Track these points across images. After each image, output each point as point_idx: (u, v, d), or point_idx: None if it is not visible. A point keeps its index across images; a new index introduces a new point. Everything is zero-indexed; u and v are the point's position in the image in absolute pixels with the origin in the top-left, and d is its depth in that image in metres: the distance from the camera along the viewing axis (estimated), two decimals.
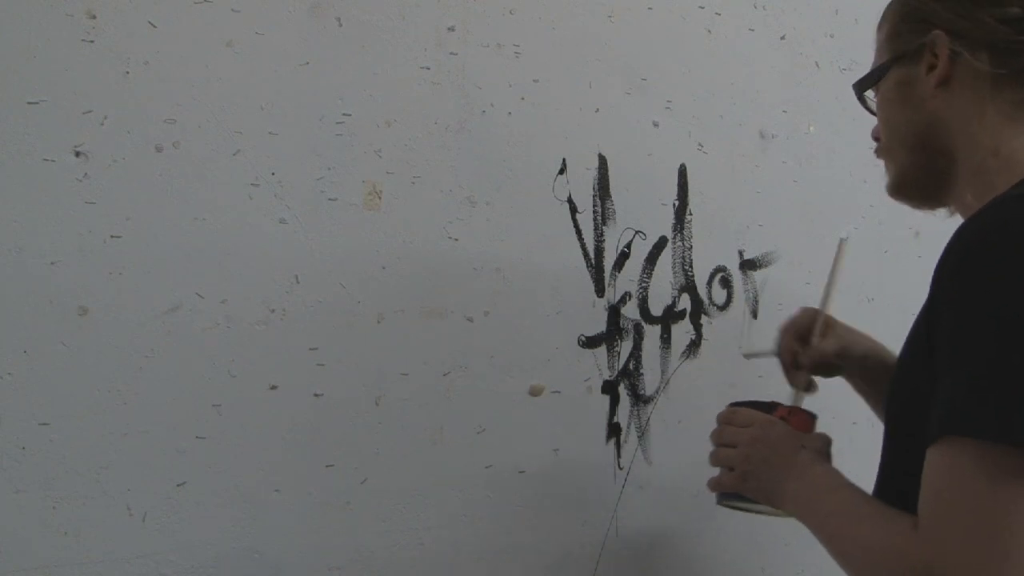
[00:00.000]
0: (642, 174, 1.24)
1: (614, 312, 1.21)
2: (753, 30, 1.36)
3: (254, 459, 0.94)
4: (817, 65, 1.44)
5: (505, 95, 1.12)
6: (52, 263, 0.85)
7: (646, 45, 1.25)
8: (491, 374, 1.10)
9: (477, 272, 1.09)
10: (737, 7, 1.34)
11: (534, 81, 1.15)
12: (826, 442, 0.89)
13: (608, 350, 1.20)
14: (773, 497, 0.87)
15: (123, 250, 0.88)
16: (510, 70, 1.13)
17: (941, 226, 0.85)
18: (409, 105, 1.05)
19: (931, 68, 0.81)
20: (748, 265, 1.35)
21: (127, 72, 0.89)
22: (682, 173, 1.28)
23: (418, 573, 1.04)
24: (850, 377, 1.07)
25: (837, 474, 0.83)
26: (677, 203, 1.28)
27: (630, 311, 1.22)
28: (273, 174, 0.96)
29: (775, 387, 1.08)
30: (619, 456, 1.20)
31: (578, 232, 1.18)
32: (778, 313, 1.31)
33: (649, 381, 1.24)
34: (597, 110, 1.20)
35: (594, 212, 1.19)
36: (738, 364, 1.32)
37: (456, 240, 1.08)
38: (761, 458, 0.88)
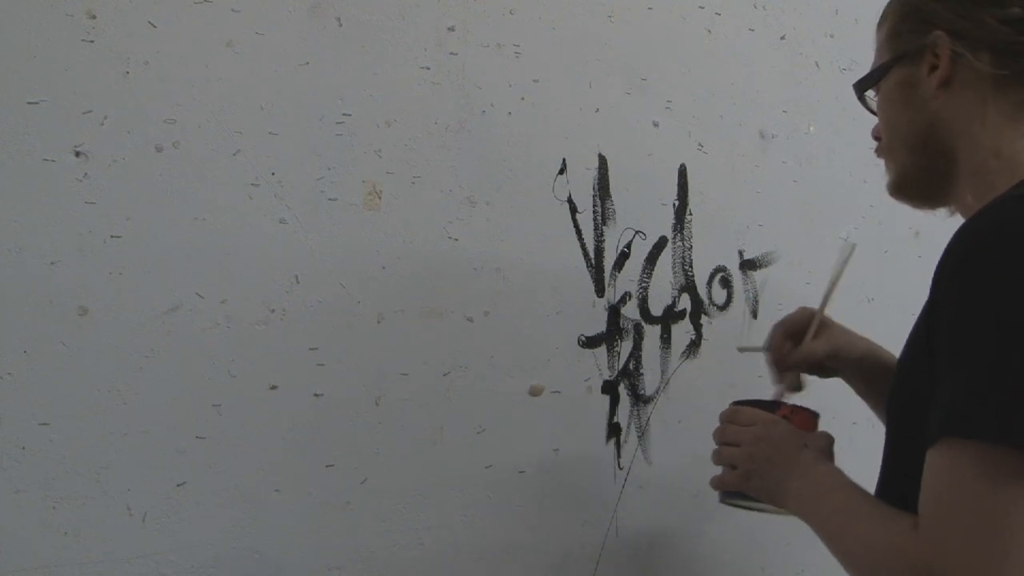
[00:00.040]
0: (642, 174, 1.24)
1: (614, 312, 1.21)
2: (753, 30, 1.36)
3: (254, 459, 0.94)
4: (817, 65, 1.44)
5: (505, 95, 1.12)
6: (52, 263, 0.85)
7: (646, 45, 1.25)
8: (491, 374, 1.10)
9: (477, 272, 1.09)
10: (737, 7, 1.34)
11: (534, 81, 1.15)
12: (829, 441, 0.89)
13: (608, 350, 1.20)
14: (775, 496, 0.87)
15: (123, 250, 0.88)
16: (510, 70, 1.13)
17: (941, 226, 0.85)
18: (409, 105, 1.05)
19: (932, 69, 0.81)
20: (748, 265, 1.35)
21: (127, 72, 0.89)
22: (682, 173, 1.28)
23: (418, 573, 1.04)
24: (849, 379, 1.07)
25: (839, 473, 0.83)
26: (677, 203, 1.28)
27: (630, 311, 1.22)
28: (273, 174, 0.96)
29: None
30: (619, 456, 1.20)
31: (578, 232, 1.18)
32: (778, 313, 1.31)
33: (649, 381, 1.24)
34: (597, 110, 1.20)
35: (594, 212, 1.19)
36: (738, 364, 1.32)
37: (456, 240, 1.08)
38: (764, 457, 0.88)
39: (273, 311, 0.96)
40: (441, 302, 1.07)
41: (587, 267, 1.18)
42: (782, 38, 1.40)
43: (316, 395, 0.98)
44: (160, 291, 0.90)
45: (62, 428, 0.85)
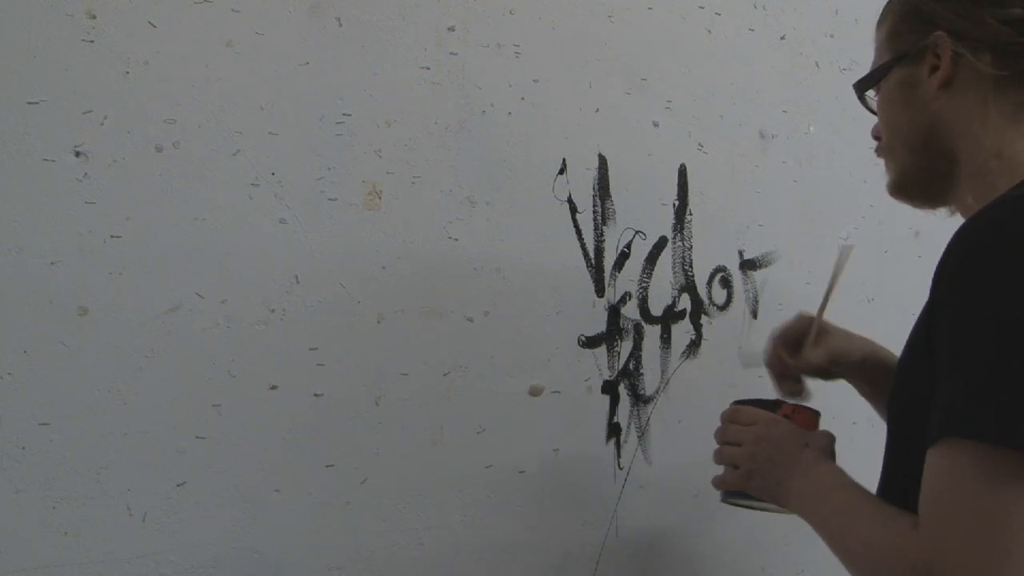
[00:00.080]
0: (642, 174, 1.24)
1: (614, 312, 1.21)
2: (753, 30, 1.36)
3: (254, 459, 0.94)
4: (817, 65, 1.44)
5: (505, 95, 1.12)
6: (52, 263, 0.85)
7: (646, 45, 1.25)
8: (491, 374, 1.09)
9: (477, 272, 1.09)
10: (737, 7, 1.34)
11: (534, 81, 1.15)
12: (830, 440, 0.89)
13: (608, 350, 1.20)
14: (777, 495, 0.87)
15: (123, 250, 0.88)
16: (510, 70, 1.13)
17: (941, 226, 0.85)
18: (409, 105, 1.05)
19: (933, 69, 0.81)
20: (748, 265, 1.35)
21: (127, 72, 0.89)
22: (682, 173, 1.28)
23: (418, 573, 1.04)
24: (852, 380, 1.07)
25: (840, 472, 0.83)
26: (677, 203, 1.28)
27: (630, 311, 1.22)
28: (273, 174, 0.96)
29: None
30: (619, 456, 1.20)
31: (578, 232, 1.18)
32: (778, 313, 1.32)
33: (649, 381, 1.24)
34: (597, 110, 1.20)
35: (594, 212, 1.19)
36: (738, 364, 1.32)
37: (456, 240, 1.08)
38: (765, 456, 0.89)
39: (273, 311, 0.96)
40: (441, 302, 1.07)
41: (587, 267, 1.18)
42: (782, 38, 1.40)
43: (316, 395, 0.98)
44: (160, 291, 0.90)
45: (62, 428, 0.85)
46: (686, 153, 1.28)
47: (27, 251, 0.84)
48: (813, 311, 1.07)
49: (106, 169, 0.88)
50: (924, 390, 0.70)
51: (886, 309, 1.48)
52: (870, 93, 0.90)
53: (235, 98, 0.94)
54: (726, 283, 1.33)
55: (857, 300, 1.47)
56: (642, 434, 1.23)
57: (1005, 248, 0.66)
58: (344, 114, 1.01)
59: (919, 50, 0.82)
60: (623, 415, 1.21)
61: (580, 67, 1.19)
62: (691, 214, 1.29)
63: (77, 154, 0.86)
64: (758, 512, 0.96)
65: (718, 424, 0.97)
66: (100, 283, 0.87)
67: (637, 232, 1.23)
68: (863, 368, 1.04)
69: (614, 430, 1.20)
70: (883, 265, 1.51)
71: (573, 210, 1.17)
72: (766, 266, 1.37)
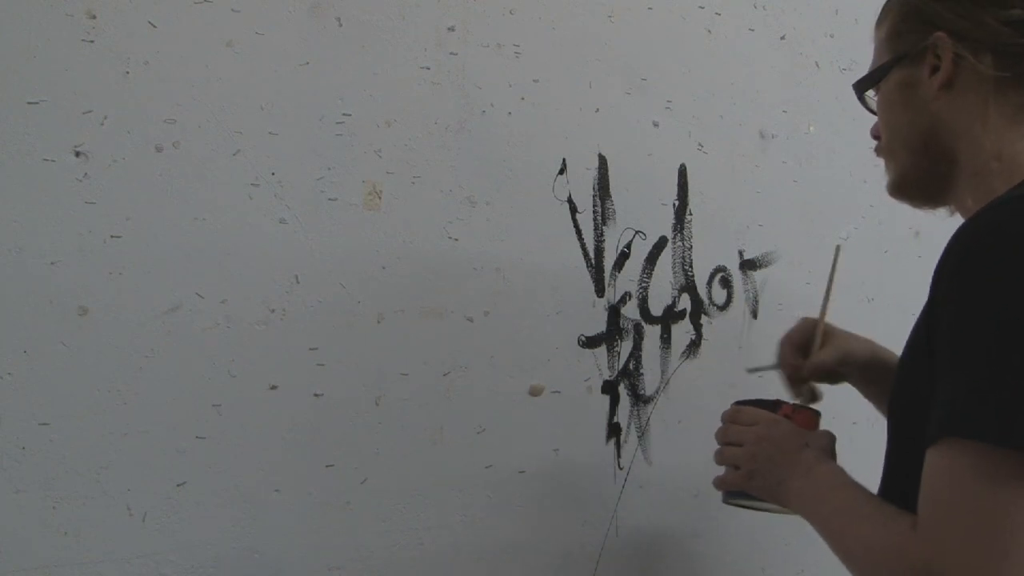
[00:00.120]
0: (642, 174, 1.24)
1: (614, 312, 1.21)
2: (753, 30, 1.36)
3: (254, 459, 0.94)
4: (817, 65, 1.44)
5: (505, 95, 1.12)
6: (52, 263, 0.85)
7: (646, 45, 1.25)
8: (491, 374, 1.09)
9: (477, 272, 1.09)
10: (737, 7, 1.34)
11: (534, 81, 1.15)
12: (830, 440, 0.89)
13: (608, 350, 1.20)
14: (778, 495, 0.87)
15: (123, 250, 0.88)
16: (510, 70, 1.13)
17: (941, 226, 0.85)
18: (409, 105, 1.05)
19: (934, 70, 0.81)
20: (748, 265, 1.35)
21: (127, 72, 0.89)
22: (682, 173, 1.28)
23: (418, 573, 1.04)
24: (856, 382, 1.07)
25: (841, 472, 0.83)
26: (677, 203, 1.28)
27: (630, 311, 1.22)
28: (273, 174, 0.96)
29: (775, 387, 1.09)
30: (619, 456, 1.20)
31: (578, 232, 1.18)
32: (778, 313, 1.32)
33: (649, 381, 1.24)
34: (597, 110, 1.20)
35: (594, 212, 1.19)
36: (738, 364, 1.32)
37: (456, 240, 1.08)
38: (766, 456, 0.89)
39: (273, 311, 0.96)
40: (441, 302, 1.07)
41: (587, 267, 1.18)
42: (782, 38, 1.40)
43: (316, 395, 0.98)
44: (160, 291, 0.90)
45: (62, 428, 0.85)
46: (686, 153, 1.28)
47: (27, 251, 0.84)
48: (813, 315, 1.07)
49: (106, 169, 0.88)
50: (924, 390, 0.70)
51: (886, 309, 1.48)
52: (870, 93, 0.90)
53: (235, 98, 0.94)
54: (726, 283, 1.33)
55: (857, 300, 1.47)
56: (642, 434, 1.23)
57: (1004, 248, 0.66)
58: (344, 114, 1.01)
59: (919, 51, 0.82)
60: (623, 415, 1.21)
61: (580, 67, 1.19)
62: (691, 214, 1.29)
63: (77, 154, 0.86)
64: (758, 512, 0.96)
65: (718, 424, 0.97)
66: (100, 283, 0.87)
67: (637, 232, 1.23)
68: (867, 369, 1.04)
69: (614, 430, 1.20)
70: (883, 265, 1.51)
71: (573, 210, 1.17)
72: (766, 266, 1.37)
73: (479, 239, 1.09)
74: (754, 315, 1.35)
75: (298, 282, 0.97)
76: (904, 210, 0.91)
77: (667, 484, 1.24)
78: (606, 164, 1.20)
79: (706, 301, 1.30)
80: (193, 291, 0.91)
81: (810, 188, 1.42)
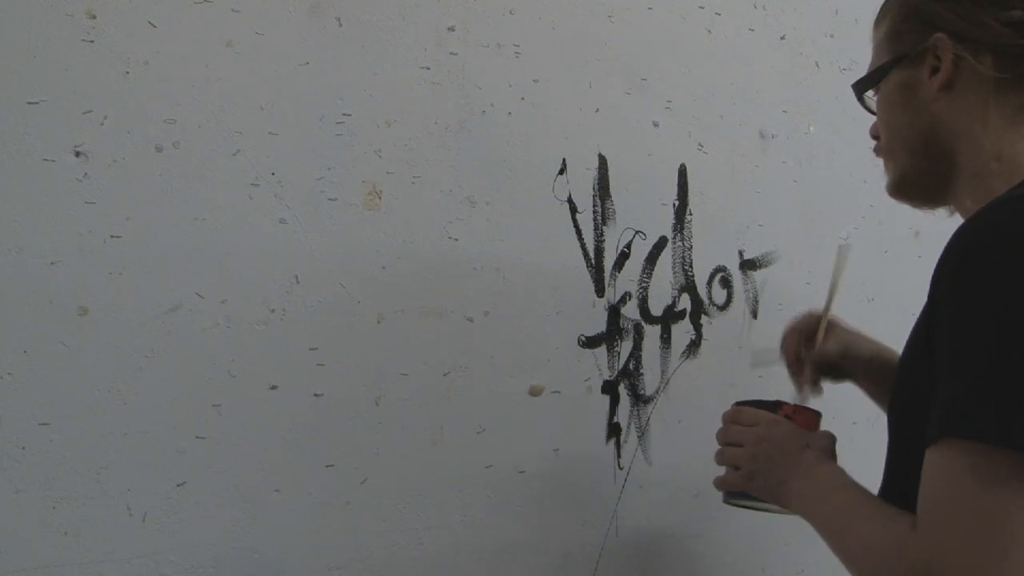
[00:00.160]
0: (642, 174, 1.24)
1: (614, 312, 1.21)
2: (753, 30, 1.36)
3: (254, 459, 0.94)
4: (817, 65, 1.44)
5: (505, 95, 1.12)
6: (52, 263, 0.85)
7: (646, 45, 1.25)
8: (491, 374, 1.09)
9: (477, 272, 1.09)
10: (737, 7, 1.34)
11: (534, 81, 1.15)
12: (831, 440, 0.89)
13: (608, 350, 1.20)
14: (778, 496, 0.87)
15: (123, 250, 0.88)
16: (510, 70, 1.13)
17: (941, 226, 0.85)
18: (409, 105, 1.05)
19: (934, 71, 0.81)
20: (748, 265, 1.35)
21: (127, 72, 0.89)
22: (682, 173, 1.28)
23: (418, 573, 1.04)
24: (859, 380, 1.08)
25: (841, 473, 0.83)
26: (677, 203, 1.28)
27: (630, 311, 1.22)
28: (273, 174, 0.96)
29: (775, 387, 1.09)
30: (619, 456, 1.20)
31: (578, 232, 1.18)
32: (778, 313, 1.32)
33: (649, 381, 1.24)
34: (597, 110, 1.20)
35: (594, 212, 1.19)
36: (738, 364, 1.32)
37: (456, 240, 1.08)
38: (766, 457, 0.89)
39: (273, 311, 0.96)
40: (441, 302, 1.07)
41: (587, 267, 1.18)
42: (782, 38, 1.40)
43: (316, 395, 0.98)
44: (160, 291, 0.90)
45: (62, 428, 0.85)
46: (686, 153, 1.28)
47: (27, 251, 0.84)
48: (818, 311, 1.07)
49: (106, 169, 0.88)
50: (924, 389, 0.70)
51: (886, 309, 1.48)
52: (869, 93, 0.90)
53: (235, 98, 0.94)
54: (726, 283, 1.33)
55: (857, 300, 1.47)
56: (642, 434, 1.23)
57: (1004, 248, 0.66)
58: (344, 114, 1.01)
59: (919, 52, 0.82)
60: (623, 415, 1.21)
61: (580, 67, 1.19)
62: (691, 214, 1.29)
63: (77, 154, 0.86)
64: (758, 512, 0.96)
65: (718, 424, 0.97)
66: (100, 283, 0.87)
67: (637, 232, 1.23)
68: (871, 367, 1.04)
69: (614, 430, 1.20)
70: (883, 265, 1.51)
71: (573, 210, 1.17)
72: (766, 266, 1.37)
73: (479, 239, 1.09)
74: (754, 315, 1.35)
75: (298, 282, 0.97)
76: (904, 210, 0.91)
77: (667, 484, 1.24)
78: (606, 164, 1.20)
79: (706, 301, 1.30)
80: (193, 291, 0.91)
81: (810, 188, 1.42)
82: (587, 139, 1.19)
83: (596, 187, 1.20)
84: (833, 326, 1.07)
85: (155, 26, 0.90)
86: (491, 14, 1.11)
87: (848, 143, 1.45)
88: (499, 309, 1.11)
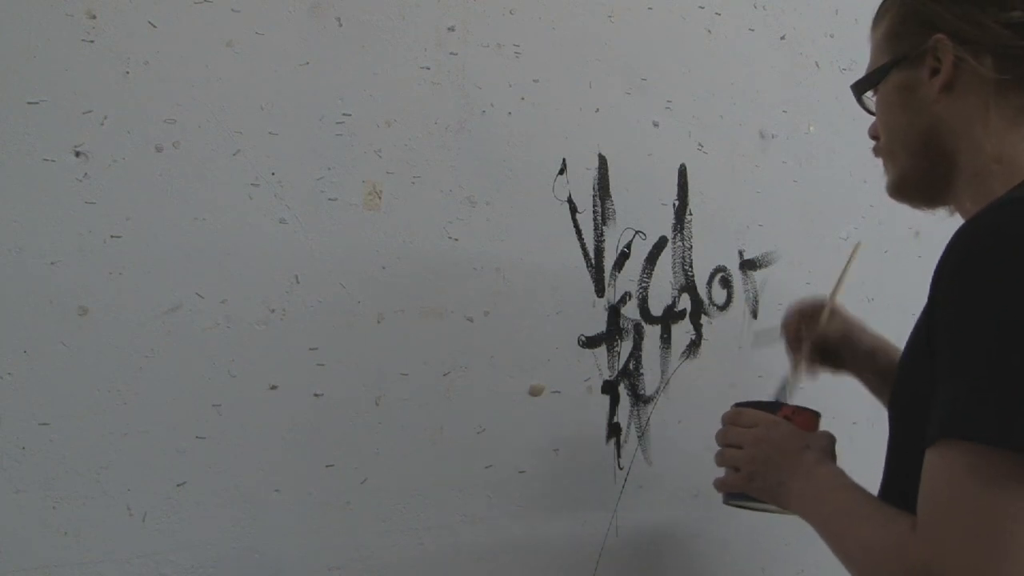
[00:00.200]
0: (642, 174, 1.24)
1: (614, 312, 1.21)
2: (753, 30, 1.36)
3: (254, 459, 0.94)
4: (817, 65, 1.44)
5: (505, 95, 1.12)
6: (52, 263, 0.85)
7: (646, 45, 1.25)
8: (491, 374, 1.09)
9: (477, 272, 1.09)
10: (737, 7, 1.34)
11: (534, 81, 1.15)
12: (830, 441, 0.89)
13: (608, 350, 1.20)
14: (778, 497, 0.87)
15: (123, 250, 0.88)
16: (510, 70, 1.13)
17: (941, 226, 0.85)
18: (409, 105, 1.05)
19: (934, 72, 0.81)
20: (748, 265, 1.35)
21: (127, 72, 0.89)
22: (682, 173, 1.28)
23: (418, 573, 1.04)
24: (858, 372, 1.08)
25: (841, 474, 0.83)
26: (677, 203, 1.28)
27: (630, 311, 1.22)
28: (273, 174, 0.96)
29: (775, 387, 1.09)
30: (619, 456, 1.20)
31: (578, 232, 1.18)
32: (778, 313, 1.31)
33: (649, 381, 1.24)
34: (597, 110, 1.20)
35: (594, 212, 1.19)
36: (738, 364, 1.32)
37: (456, 240, 1.08)
38: (766, 458, 0.89)
39: (273, 311, 0.96)
40: (441, 302, 1.07)
41: (587, 267, 1.18)
42: (782, 38, 1.40)
43: (316, 395, 0.98)
44: (160, 291, 0.90)
45: (62, 428, 0.85)
46: (686, 153, 1.28)
47: (27, 251, 0.84)
48: (824, 297, 1.09)
49: (106, 169, 0.88)
50: (924, 390, 0.70)
51: (886, 309, 1.47)
52: (868, 94, 0.90)
53: (235, 98, 0.94)
54: (726, 283, 1.33)
55: (857, 300, 1.46)
56: (642, 434, 1.23)
57: (1004, 249, 0.66)
58: (344, 114, 1.01)
59: (919, 53, 0.82)
60: (623, 415, 1.21)
61: (580, 67, 1.19)
62: (691, 214, 1.29)
63: (77, 154, 0.86)
64: (758, 512, 0.96)
65: (718, 424, 0.97)
66: (100, 283, 0.87)
67: (637, 232, 1.23)
68: (874, 359, 1.05)
69: (614, 430, 1.20)
70: (883, 265, 1.51)
71: (573, 210, 1.17)
72: (766, 266, 1.37)
73: (479, 239, 1.09)
74: (754, 315, 1.35)
75: (298, 282, 0.97)
76: (904, 210, 0.91)
77: (667, 484, 1.24)
78: (606, 164, 1.20)
79: (706, 301, 1.30)
80: (193, 291, 0.91)
81: (810, 188, 1.42)
82: (587, 139, 1.19)
83: (596, 187, 1.20)
84: (836, 312, 1.08)
85: (155, 26, 0.90)
86: (491, 14, 1.11)
87: (848, 143, 1.45)
88: (499, 309, 1.11)
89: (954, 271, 0.69)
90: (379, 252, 1.03)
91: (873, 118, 0.90)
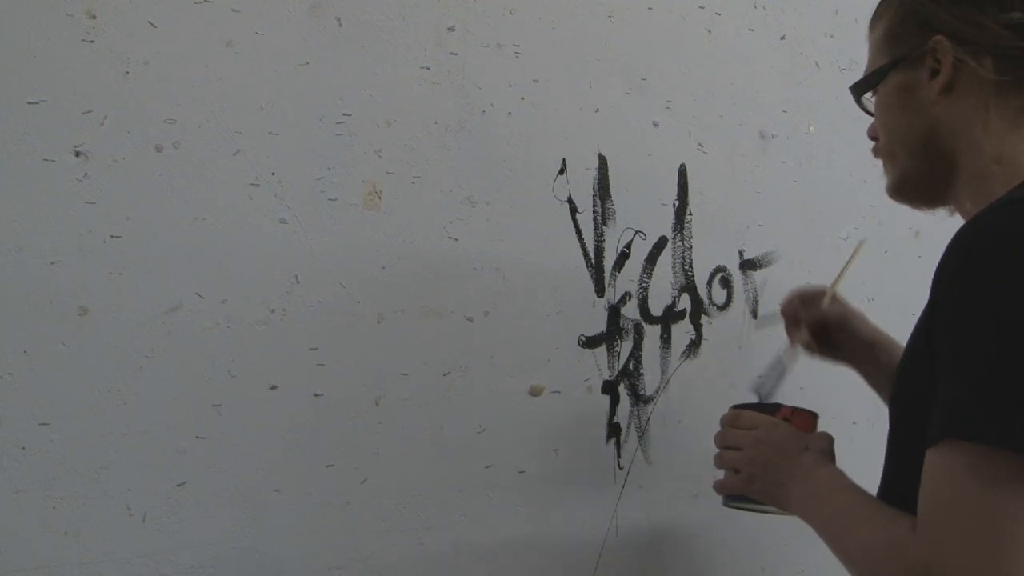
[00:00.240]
0: (642, 174, 1.24)
1: (614, 312, 1.21)
2: (753, 30, 1.36)
3: (254, 459, 0.94)
4: (817, 65, 1.44)
5: (505, 95, 1.12)
6: (52, 263, 0.85)
7: (646, 45, 1.25)
8: (491, 374, 1.09)
9: (477, 272, 1.09)
10: (737, 7, 1.34)
11: (534, 81, 1.14)
12: (829, 442, 0.89)
13: (608, 350, 1.20)
14: (778, 498, 0.87)
15: (123, 250, 0.88)
16: (510, 70, 1.13)
17: (941, 226, 0.85)
18: (409, 105, 1.05)
19: (933, 73, 0.80)
20: (748, 265, 1.35)
21: (127, 72, 0.89)
22: (682, 173, 1.28)
23: (418, 573, 1.04)
24: (856, 363, 1.08)
25: (840, 475, 0.83)
26: (677, 203, 1.28)
27: (630, 311, 1.22)
28: (273, 174, 0.96)
29: (767, 363, 1.09)
30: (619, 456, 1.20)
31: (578, 232, 1.18)
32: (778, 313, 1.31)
33: (649, 381, 1.24)
34: (597, 110, 1.20)
35: (594, 212, 1.19)
36: (738, 364, 1.32)
37: (456, 240, 1.08)
38: (765, 460, 0.89)
39: (273, 311, 0.96)
40: (441, 302, 1.07)
41: (587, 267, 1.18)
42: (782, 38, 1.40)
43: (316, 395, 0.98)
44: (160, 291, 0.90)
45: (62, 428, 0.85)
46: (686, 153, 1.28)
47: (27, 251, 0.84)
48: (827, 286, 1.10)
49: (106, 169, 0.88)
50: (924, 391, 0.70)
51: (886, 309, 1.47)
52: (867, 95, 0.90)
53: (235, 98, 0.94)
54: (726, 283, 1.33)
55: (857, 300, 1.46)
56: (642, 434, 1.23)
57: (1005, 250, 0.66)
58: (344, 114, 1.01)
59: (918, 54, 0.81)
60: (623, 415, 1.21)
61: (580, 67, 1.18)
62: (691, 214, 1.29)
63: (77, 154, 0.86)
64: (758, 513, 0.96)
65: (718, 424, 0.97)
66: (100, 283, 0.87)
67: (637, 232, 1.23)
68: (873, 351, 1.05)
69: (614, 430, 1.20)
70: (883, 265, 1.51)
71: (573, 210, 1.17)
72: (766, 266, 1.37)
73: (479, 239, 1.09)
74: (754, 315, 1.35)
75: (298, 282, 0.97)
76: (904, 210, 0.91)
77: (667, 484, 1.24)
78: (606, 164, 1.20)
79: (706, 301, 1.30)
80: (193, 291, 0.91)
81: (810, 188, 1.42)
82: (587, 139, 1.19)
83: (596, 187, 1.20)
84: (837, 299, 1.10)
85: (155, 26, 0.90)
86: (491, 14, 1.11)
87: (848, 143, 1.45)
88: (499, 309, 1.11)
89: (954, 272, 0.69)
90: (379, 252, 1.03)
91: (872, 119, 0.90)
